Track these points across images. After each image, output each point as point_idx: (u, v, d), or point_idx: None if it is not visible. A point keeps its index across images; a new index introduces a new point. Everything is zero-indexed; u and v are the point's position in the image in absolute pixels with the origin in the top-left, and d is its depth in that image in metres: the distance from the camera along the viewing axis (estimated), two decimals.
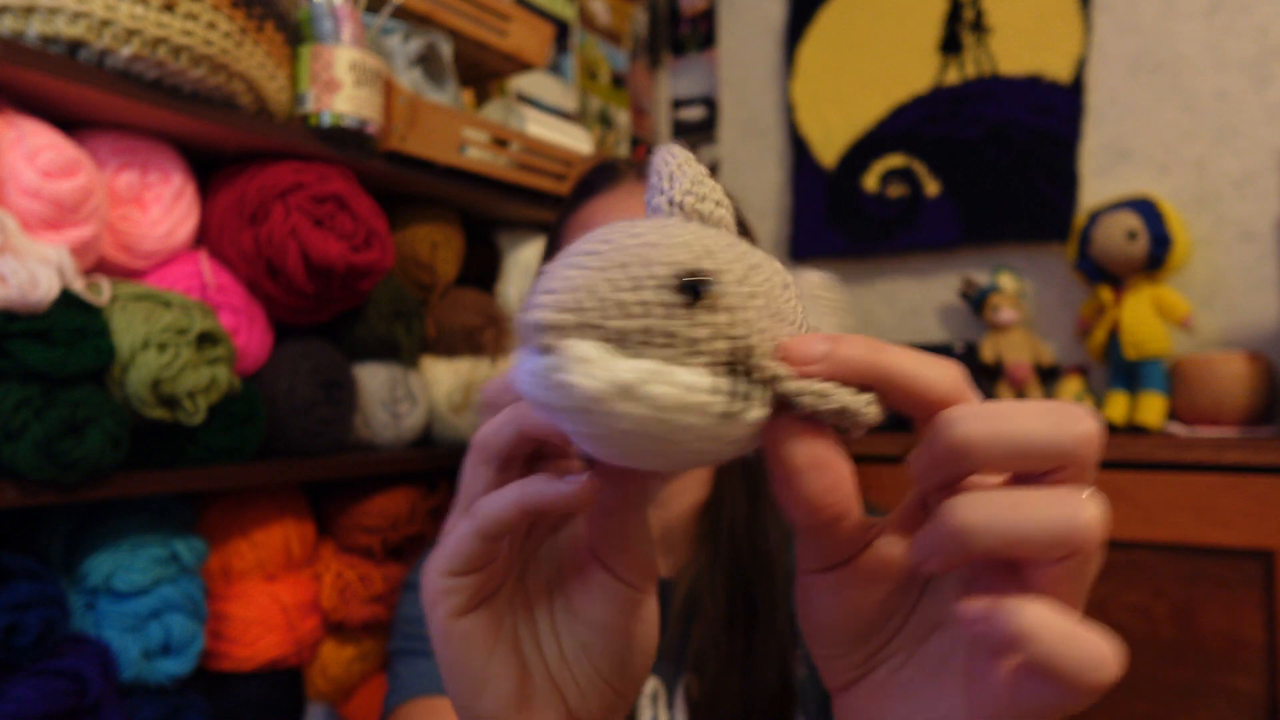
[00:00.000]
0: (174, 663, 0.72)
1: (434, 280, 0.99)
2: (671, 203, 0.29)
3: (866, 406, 0.26)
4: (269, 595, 0.82)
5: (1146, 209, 1.20)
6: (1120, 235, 1.20)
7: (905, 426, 1.39)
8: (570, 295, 0.24)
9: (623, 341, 0.24)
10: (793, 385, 0.26)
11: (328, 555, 0.91)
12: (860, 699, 0.29)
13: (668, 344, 0.25)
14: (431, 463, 0.96)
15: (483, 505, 0.30)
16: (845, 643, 0.29)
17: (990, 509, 0.23)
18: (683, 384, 0.25)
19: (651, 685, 0.65)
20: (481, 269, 1.11)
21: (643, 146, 1.72)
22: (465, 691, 0.31)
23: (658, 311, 0.25)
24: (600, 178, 0.72)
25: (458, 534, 0.30)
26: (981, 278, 1.41)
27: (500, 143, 1.00)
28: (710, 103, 1.73)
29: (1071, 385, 1.28)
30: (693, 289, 0.25)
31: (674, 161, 0.30)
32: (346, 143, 0.84)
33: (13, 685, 0.61)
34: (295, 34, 0.82)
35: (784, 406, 0.26)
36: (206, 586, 0.78)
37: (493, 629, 0.31)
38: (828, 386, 0.26)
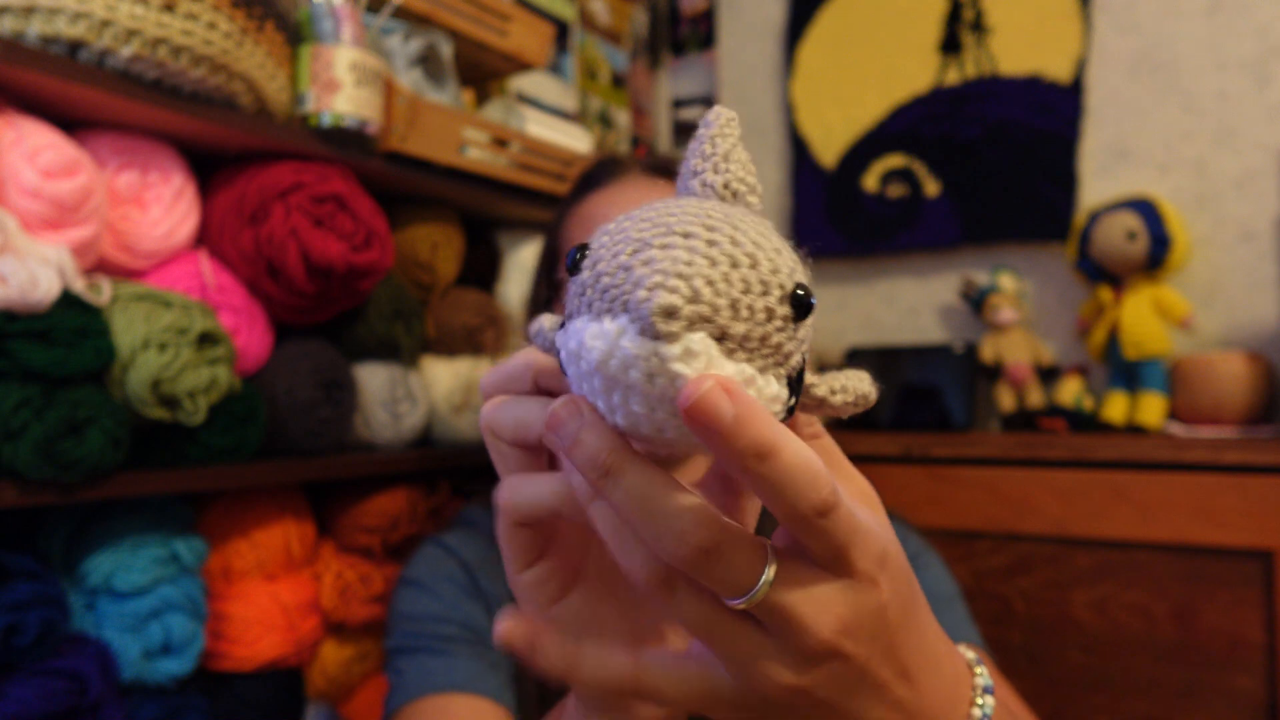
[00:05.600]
0: (174, 663, 0.72)
1: (434, 280, 0.99)
2: (726, 186, 0.29)
3: (871, 385, 0.31)
4: (269, 595, 0.82)
5: (1146, 209, 1.20)
6: (1120, 235, 1.20)
7: (905, 426, 1.39)
8: (689, 284, 0.24)
9: (730, 341, 0.24)
10: (823, 388, 0.30)
11: (328, 555, 0.91)
12: None
13: (769, 353, 0.25)
14: (431, 463, 0.96)
15: (501, 494, 0.30)
16: None
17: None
18: (770, 394, 0.26)
19: None
20: (481, 269, 1.11)
21: (643, 146, 1.72)
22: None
23: (775, 322, 0.25)
24: (604, 171, 0.72)
25: (500, 537, 0.31)
26: (981, 278, 1.41)
27: (500, 143, 1.00)
28: (710, 103, 1.73)
29: (1071, 385, 1.28)
30: (805, 306, 0.26)
31: (727, 140, 0.29)
32: (346, 143, 0.84)
33: (13, 685, 0.61)
34: (295, 34, 0.82)
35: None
36: (206, 586, 0.78)
37: (588, 610, 0.32)
38: (840, 379, 0.30)
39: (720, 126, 0.29)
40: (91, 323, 0.64)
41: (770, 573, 0.26)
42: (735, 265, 0.24)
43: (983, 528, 1.08)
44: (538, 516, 0.31)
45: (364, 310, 0.89)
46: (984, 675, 0.33)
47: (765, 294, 0.25)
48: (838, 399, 0.30)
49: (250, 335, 0.79)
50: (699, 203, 0.27)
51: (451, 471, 1.03)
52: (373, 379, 0.91)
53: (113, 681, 0.68)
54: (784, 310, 0.25)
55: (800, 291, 0.25)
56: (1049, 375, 1.35)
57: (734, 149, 0.29)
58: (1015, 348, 1.32)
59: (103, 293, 0.67)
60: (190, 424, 0.70)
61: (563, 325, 0.28)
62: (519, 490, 0.31)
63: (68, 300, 0.63)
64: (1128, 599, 1.00)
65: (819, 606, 0.27)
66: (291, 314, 0.83)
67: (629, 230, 0.26)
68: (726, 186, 0.29)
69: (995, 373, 1.34)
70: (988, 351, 1.33)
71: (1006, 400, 1.32)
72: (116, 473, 0.67)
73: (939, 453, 1.11)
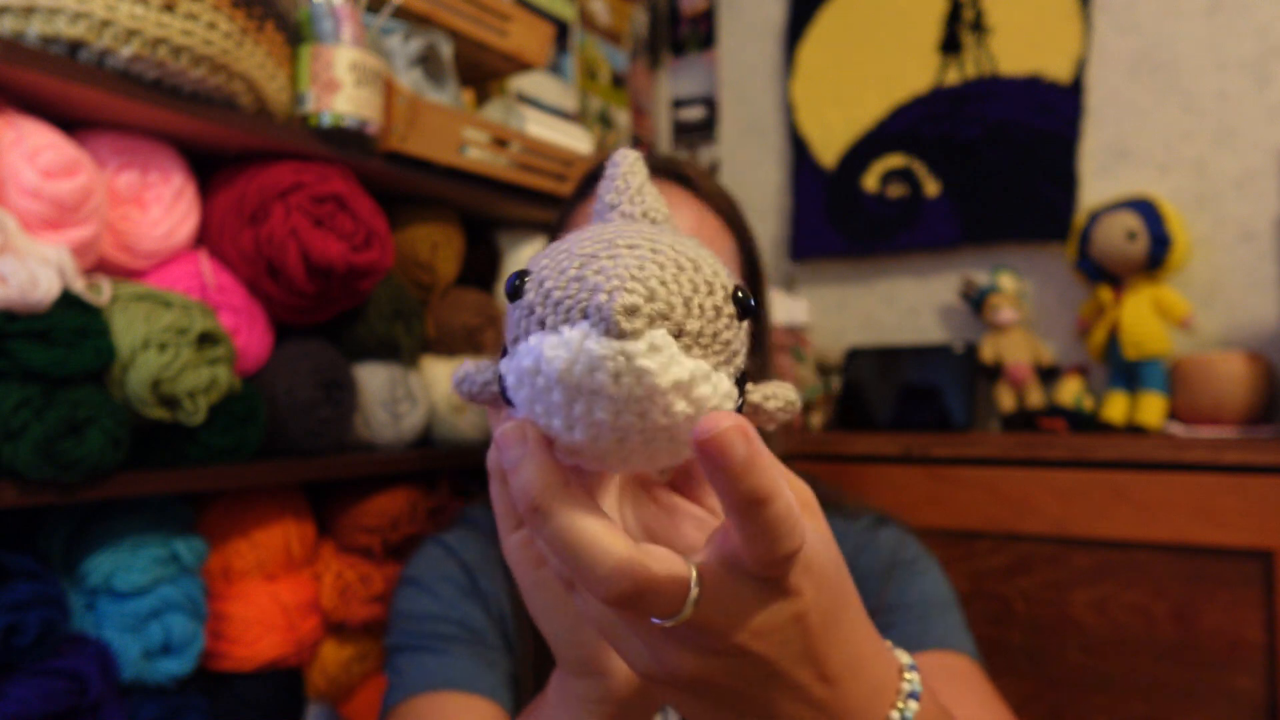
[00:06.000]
0: (174, 663, 0.72)
1: (434, 280, 0.99)
2: (645, 214, 0.31)
3: (796, 394, 0.35)
4: (269, 595, 0.82)
5: (1146, 209, 1.20)
6: (1120, 235, 1.20)
7: (905, 426, 1.38)
8: (645, 284, 0.25)
9: (686, 337, 0.25)
10: (756, 394, 0.33)
11: (328, 555, 0.91)
12: None
13: (720, 350, 0.27)
14: (431, 463, 0.96)
15: (490, 456, 0.34)
16: None
17: None
18: (724, 391, 0.27)
19: None
20: (481, 269, 1.11)
21: (643, 146, 1.72)
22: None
23: (723, 319, 0.26)
24: None
25: (492, 497, 0.35)
26: (981, 278, 1.41)
27: (500, 143, 1.00)
28: (710, 103, 1.73)
29: (1071, 385, 1.28)
30: (747, 306, 0.27)
31: (638, 176, 0.32)
32: (346, 143, 0.84)
33: (13, 685, 0.61)
34: (295, 34, 0.82)
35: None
36: (206, 586, 0.78)
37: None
38: (770, 387, 0.33)
39: (629, 165, 0.32)
40: (91, 323, 0.64)
41: (690, 600, 0.28)
42: (681, 269, 0.26)
43: (983, 528, 1.08)
44: None
45: (364, 310, 0.89)
46: (913, 681, 0.35)
47: (711, 293, 0.26)
48: (771, 404, 0.33)
49: (250, 335, 0.79)
50: (629, 223, 0.29)
51: (451, 471, 1.03)
52: (373, 379, 0.91)
53: (113, 681, 0.68)
54: (729, 309, 0.27)
55: (740, 293, 0.27)
56: (1049, 375, 1.35)
57: (644, 184, 0.31)
58: (1015, 348, 1.32)
59: (103, 293, 0.67)
60: (190, 424, 0.70)
61: (505, 353, 0.29)
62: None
63: (68, 300, 0.63)
64: (1128, 599, 1.00)
65: (734, 619, 0.29)
66: (291, 314, 0.83)
67: (571, 248, 0.27)
68: (645, 215, 0.31)
69: (995, 373, 1.34)
70: (988, 351, 1.34)
71: (1006, 400, 1.32)
72: (116, 473, 0.67)
73: (939, 453, 1.11)
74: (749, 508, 0.25)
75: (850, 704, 0.32)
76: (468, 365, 0.35)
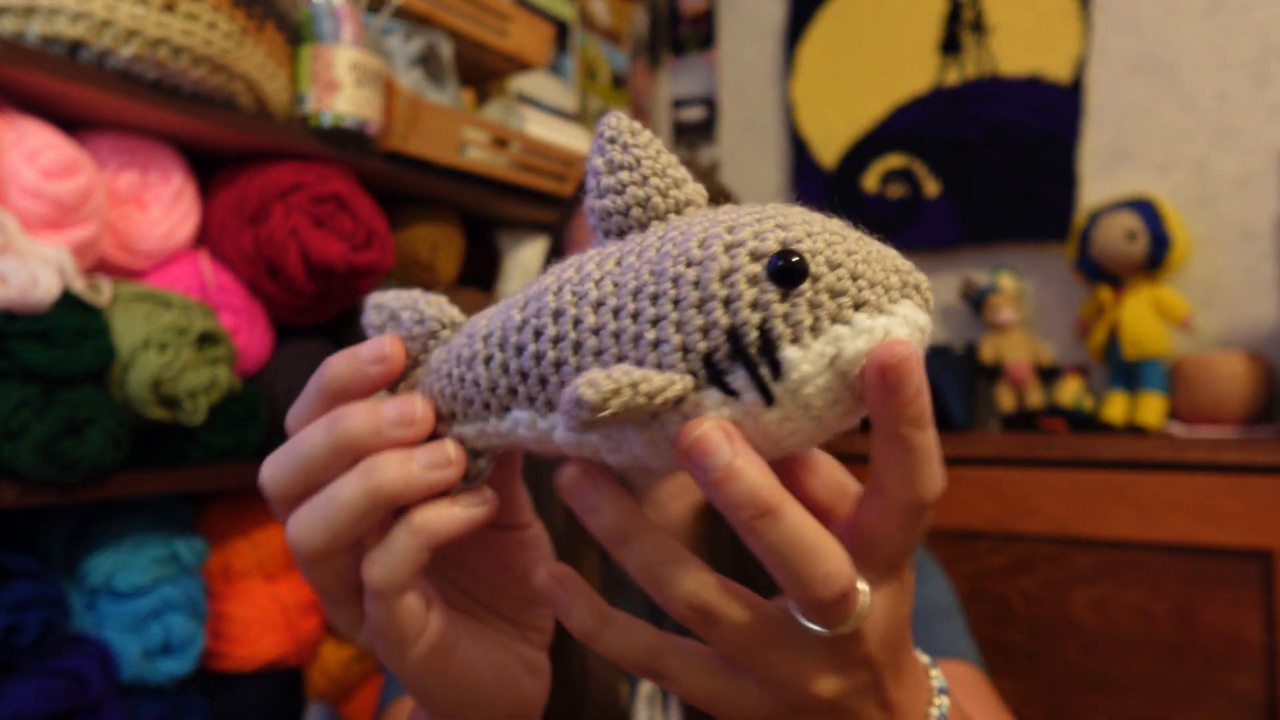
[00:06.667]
0: (174, 663, 0.72)
1: (434, 280, 1.00)
2: (688, 202, 0.28)
3: None
4: (269, 595, 0.82)
5: (1146, 209, 1.20)
6: (1120, 235, 1.20)
7: None
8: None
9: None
10: None
11: None
12: None
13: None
14: None
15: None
16: None
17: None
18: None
19: (649, 687, 0.65)
20: (481, 269, 1.11)
21: None
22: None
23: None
24: None
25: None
26: (981, 278, 1.41)
27: (500, 143, 1.00)
28: (710, 103, 1.73)
29: (1071, 385, 1.28)
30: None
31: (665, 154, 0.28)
32: (346, 143, 0.84)
33: (13, 685, 0.61)
34: (295, 34, 0.82)
35: None
36: (206, 586, 0.78)
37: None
38: None
39: (646, 140, 0.28)
40: (91, 323, 0.64)
41: (864, 604, 0.27)
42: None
43: (983, 528, 1.08)
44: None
45: None
46: (939, 677, 0.34)
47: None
48: None
49: (250, 335, 0.79)
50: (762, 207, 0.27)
51: None
52: None
53: (113, 681, 0.68)
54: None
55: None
56: (1049, 375, 1.35)
57: (671, 160, 0.28)
58: (1015, 348, 1.32)
59: (103, 293, 0.67)
60: (190, 424, 0.70)
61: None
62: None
63: (68, 300, 0.63)
64: (1128, 599, 1.00)
65: (873, 623, 0.28)
66: (291, 314, 0.83)
67: (847, 238, 0.26)
68: (689, 202, 0.28)
69: (995, 373, 1.34)
70: (988, 352, 1.33)
71: (1006, 400, 1.32)
72: (116, 473, 0.67)
73: None
74: (916, 433, 0.26)
75: (912, 703, 0.32)
76: (414, 296, 0.30)
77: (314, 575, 0.29)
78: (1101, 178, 1.34)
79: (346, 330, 0.89)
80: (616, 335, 0.25)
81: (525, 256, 1.12)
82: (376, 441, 0.27)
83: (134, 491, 0.68)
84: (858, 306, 0.24)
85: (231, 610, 0.80)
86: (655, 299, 0.24)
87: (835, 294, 0.24)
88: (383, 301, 0.30)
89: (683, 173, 0.28)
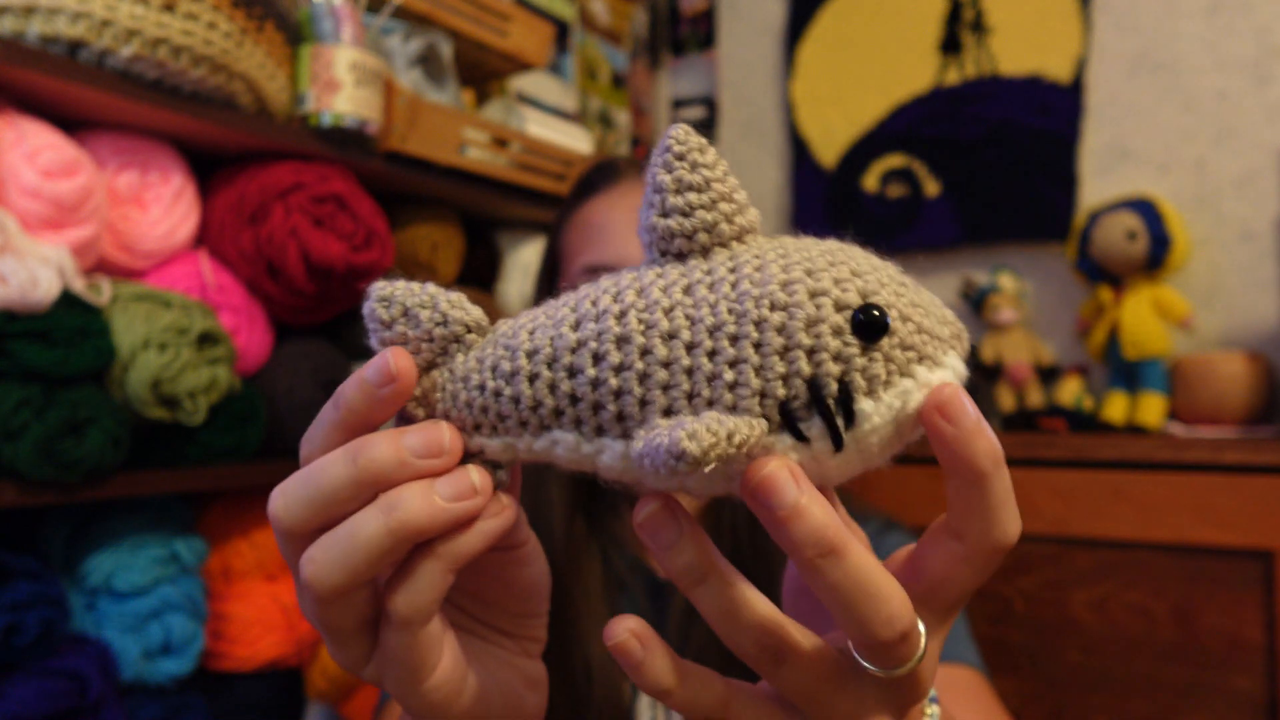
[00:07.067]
0: (174, 663, 0.72)
1: (433, 280, 1.00)
2: (750, 226, 0.27)
3: None
4: (269, 595, 0.82)
5: (1146, 209, 1.19)
6: (1120, 235, 1.20)
7: None
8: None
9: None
10: None
11: None
12: None
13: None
14: None
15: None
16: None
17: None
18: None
19: None
20: (481, 269, 1.11)
21: (643, 146, 1.72)
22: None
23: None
24: (600, 176, 0.72)
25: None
26: (981, 278, 1.41)
27: (500, 143, 1.00)
28: (710, 103, 1.73)
29: (1071, 385, 1.28)
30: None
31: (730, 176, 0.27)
32: (346, 143, 0.84)
33: (13, 685, 0.61)
34: (295, 34, 0.82)
35: None
36: (206, 586, 0.78)
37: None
38: None
39: (711, 157, 0.26)
40: (91, 323, 0.64)
41: (922, 647, 0.27)
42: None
43: None
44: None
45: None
46: (930, 692, 0.35)
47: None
48: None
49: (250, 335, 0.79)
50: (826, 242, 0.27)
51: None
52: None
53: (113, 681, 0.68)
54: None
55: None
56: (1049, 375, 1.35)
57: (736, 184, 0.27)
58: (1015, 348, 1.32)
59: (103, 293, 0.67)
60: (190, 424, 0.70)
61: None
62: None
63: (68, 300, 0.63)
64: (1128, 599, 1.00)
65: (930, 660, 0.28)
66: (291, 314, 0.83)
67: (899, 283, 0.27)
68: (750, 226, 0.28)
69: (995, 372, 1.34)
70: (988, 352, 1.33)
71: (1007, 400, 1.32)
72: (116, 473, 0.67)
73: None
74: (993, 470, 0.26)
75: (914, 712, 0.31)
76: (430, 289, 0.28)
77: (326, 613, 0.27)
78: (1101, 177, 1.34)
79: (346, 330, 0.89)
80: (689, 371, 0.24)
81: (525, 256, 1.12)
82: (402, 474, 0.26)
83: (134, 491, 0.68)
84: (920, 360, 0.25)
85: (231, 610, 0.80)
86: (735, 340, 0.24)
87: (906, 348, 0.25)
88: (392, 295, 0.28)
89: (745, 196, 0.27)
